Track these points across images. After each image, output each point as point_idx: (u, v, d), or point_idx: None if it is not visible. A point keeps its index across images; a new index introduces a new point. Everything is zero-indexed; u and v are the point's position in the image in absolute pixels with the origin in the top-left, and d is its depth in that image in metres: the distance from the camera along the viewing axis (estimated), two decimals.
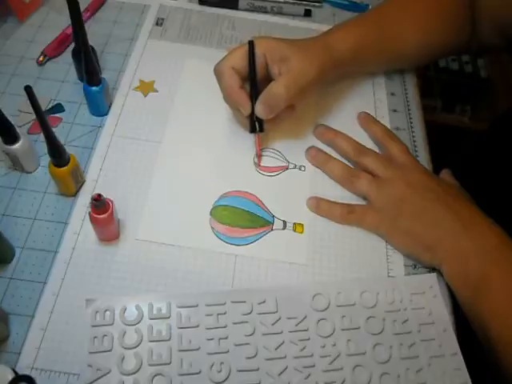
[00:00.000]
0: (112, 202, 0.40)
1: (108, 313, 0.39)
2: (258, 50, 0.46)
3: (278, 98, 0.45)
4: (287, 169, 0.50)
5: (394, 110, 0.55)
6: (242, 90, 0.46)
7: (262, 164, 0.49)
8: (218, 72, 0.46)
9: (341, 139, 0.50)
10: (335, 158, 0.49)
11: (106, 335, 0.38)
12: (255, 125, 0.47)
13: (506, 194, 0.55)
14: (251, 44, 0.46)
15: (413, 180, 0.46)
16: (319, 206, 0.46)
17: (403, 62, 0.57)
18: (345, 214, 0.46)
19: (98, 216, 0.39)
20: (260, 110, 0.45)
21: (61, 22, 0.57)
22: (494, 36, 0.53)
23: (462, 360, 0.39)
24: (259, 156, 0.49)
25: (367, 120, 0.53)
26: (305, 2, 0.63)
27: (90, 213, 0.39)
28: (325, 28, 0.53)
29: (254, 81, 0.46)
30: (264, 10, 0.62)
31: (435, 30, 0.54)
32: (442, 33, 0.54)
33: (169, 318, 0.39)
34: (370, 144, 0.52)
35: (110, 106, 0.52)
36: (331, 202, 0.46)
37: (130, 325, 0.38)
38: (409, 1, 0.54)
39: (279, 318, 0.40)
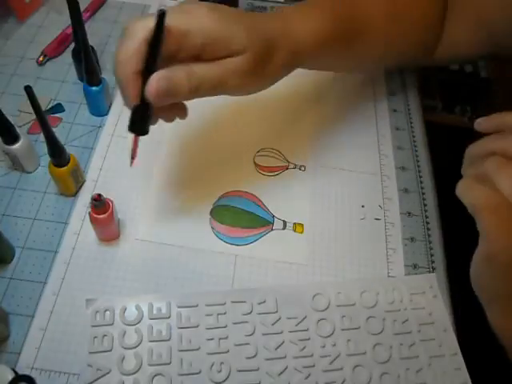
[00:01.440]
0: (112, 202, 0.40)
1: (108, 313, 0.39)
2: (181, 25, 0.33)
3: (180, 87, 0.33)
4: (287, 169, 0.50)
5: (394, 110, 0.55)
6: (136, 78, 0.33)
7: (260, 164, 0.49)
8: (128, 32, 0.33)
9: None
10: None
11: (106, 335, 0.38)
12: (138, 123, 0.35)
13: None
14: (161, 17, 0.31)
15: None
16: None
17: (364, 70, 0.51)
18: (467, 180, 0.34)
19: (98, 216, 0.39)
20: (152, 95, 0.32)
21: (61, 22, 0.57)
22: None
23: (462, 360, 0.39)
24: (134, 158, 0.38)
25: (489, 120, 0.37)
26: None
27: (89, 213, 0.39)
28: None
29: (154, 64, 0.33)
30: (264, 10, 0.62)
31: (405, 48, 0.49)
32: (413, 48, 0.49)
33: (169, 317, 0.39)
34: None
35: (110, 106, 0.52)
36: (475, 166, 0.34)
37: (130, 325, 0.38)
38: None
39: (279, 318, 0.40)
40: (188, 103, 0.55)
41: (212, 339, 0.38)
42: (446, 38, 0.50)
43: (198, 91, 0.34)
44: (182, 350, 0.38)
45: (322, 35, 0.41)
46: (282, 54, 0.38)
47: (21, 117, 0.50)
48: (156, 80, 0.32)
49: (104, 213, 0.39)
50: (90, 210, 0.39)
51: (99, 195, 0.38)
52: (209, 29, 0.34)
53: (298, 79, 0.57)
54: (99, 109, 0.51)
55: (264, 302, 0.40)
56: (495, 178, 0.32)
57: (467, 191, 0.33)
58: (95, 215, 0.39)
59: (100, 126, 0.50)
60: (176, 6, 0.34)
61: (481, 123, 0.37)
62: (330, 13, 0.42)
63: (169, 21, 0.31)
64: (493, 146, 0.34)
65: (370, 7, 0.45)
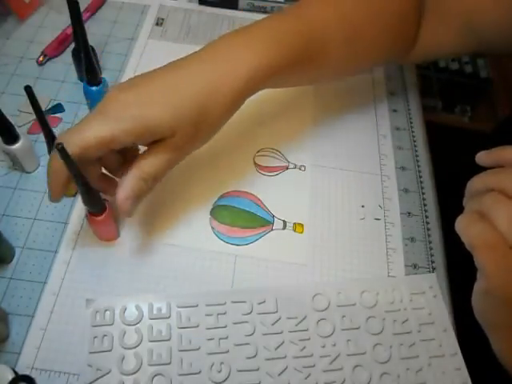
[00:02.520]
0: (108, 202, 0.40)
1: (108, 313, 0.39)
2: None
3: (154, 177, 0.35)
4: (287, 169, 0.50)
5: (394, 110, 0.55)
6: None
7: (260, 164, 0.49)
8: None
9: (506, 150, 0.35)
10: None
11: (106, 335, 0.38)
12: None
13: None
14: (61, 151, 0.31)
15: None
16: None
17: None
18: (465, 216, 0.34)
19: (96, 218, 0.39)
20: (123, 205, 0.35)
21: (61, 21, 0.57)
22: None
23: (462, 360, 0.39)
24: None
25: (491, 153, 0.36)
26: None
27: (86, 214, 0.39)
28: None
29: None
30: (264, 10, 0.62)
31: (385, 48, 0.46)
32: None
33: (169, 317, 0.39)
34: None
35: None
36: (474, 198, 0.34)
37: (130, 325, 0.38)
38: None
39: (279, 318, 0.40)
40: None
41: (212, 339, 0.38)
42: (425, 40, 0.48)
43: (156, 182, 0.37)
44: (182, 350, 0.38)
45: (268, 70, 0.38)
46: (218, 109, 0.37)
47: (21, 117, 0.50)
48: (123, 203, 0.35)
49: (101, 214, 0.39)
50: (86, 212, 0.39)
51: None
52: (132, 127, 0.33)
53: None
54: None
55: (264, 302, 0.40)
56: (492, 214, 0.32)
57: (466, 228, 0.33)
58: (92, 217, 0.39)
59: None
60: (95, 108, 0.34)
61: (481, 157, 0.37)
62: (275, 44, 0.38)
63: (91, 132, 0.32)
64: (491, 181, 0.34)
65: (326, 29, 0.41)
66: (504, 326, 0.34)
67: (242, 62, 0.37)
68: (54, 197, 0.36)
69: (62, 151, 0.30)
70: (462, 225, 0.34)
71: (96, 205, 0.38)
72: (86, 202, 0.37)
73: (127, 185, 0.35)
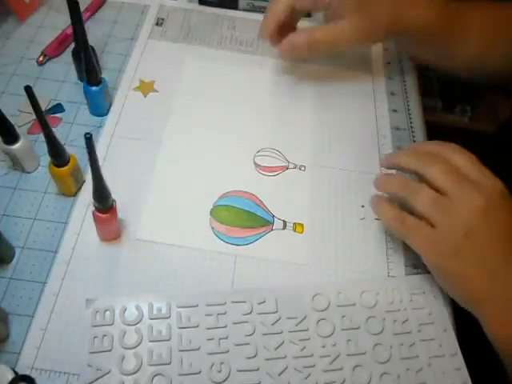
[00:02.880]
0: (115, 201, 0.40)
1: (108, 313, 0.39)
2: None
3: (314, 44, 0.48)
4: (287, 169, 0.50)
5: (394, 110, 0.55)
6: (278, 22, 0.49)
7: (260, 164, 0.49)
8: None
9: (401, 154, 0.43)
10: (393, 175, 0.44)
11: (106, 335, 0.38)
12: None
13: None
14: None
15: (487, 208, 0.37)
16: (378, 204, 0.42)
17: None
18: (393, 221, 0.40)
19: (102, 215, 0.39)
20: (284, 46, 0.49)
21: (61, 21, 0.57)
22: None
23: (462, 360, 0.39)
24: None
25: (390, 157, 0.45)
26: None
27: (93, 211, 0.39)
28: None
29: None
30: (264, 10, 0.62)
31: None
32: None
33: (169, 317, 0.39)
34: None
35: (110, 106, 0.52)
36: (389, 206, 0.41)
37: (130, 325, 0.38)
38: None
39: (279, 318, 0.40)
40: (188, 104, 0.56)
41: (212, 339, 0.38)
42: None
43: (314, 50, 0.49)
44: (182, 350, 0.38)
45: (425, 19, 0.48)
46: (385, 20, 0.48)
47: (21, 117, 0.50)
48: (283, 44, 0.50)
49: (108, 212, 0.39)
50: (93, 208, 0.39)
51: None
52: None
53: (298, 79, 0.57)
54: (99, 109, 0.51)
55: (264, 302, 0.40)
56: (412, 201, 0.39)
57: (396, 223, 0.41)
58: (99, 214, 0.39)
59: (100, 126, 0.50)
60: None
61: (382, 163, 0.46)
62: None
63: None
64: (414, 164, 0.41)
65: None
66: (473, 301, 0.38)
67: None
68: (263, 37, 0.51)
69: (90, 141, 0.33)
70: (393, 222, 0.40)
71: (106, 202, 0.38)
72: (97, 197, 0.38)
73: (294, 35, 0.49)
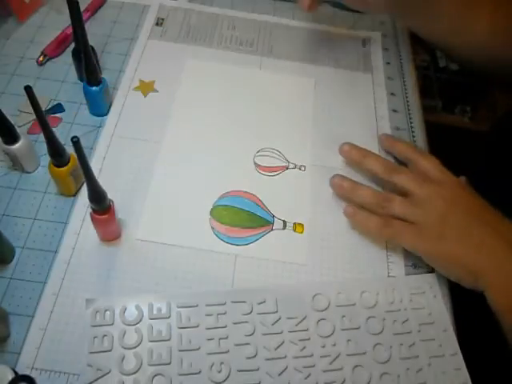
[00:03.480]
0: (112, 201, 0.40)
1: (108, 313, 0.39)
2: None
3: None
4: (287, 169, 0.50)
5: (394, 110, 0.55)
6: None
7: (260, 164, 0.49)
8: None
9: (369, 159, 0.47)
10: (362, 185, 0.46)
11: (106, 335, 0.38)
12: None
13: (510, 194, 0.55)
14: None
15: (453, 197, 0.43)
16: (356, 215, 0.45)
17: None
18: (380, 228, 0.43)
19: (100, 216, 0.39)
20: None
21: (61, 21, 0.57)
22: None
23: (462, 360, 0.39)
24: None
25: (390, 140, 0.51)
26: None
27: (91, 213, 0.39)
28: (325, 28, 0.53)
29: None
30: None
31: None
32: None
33: (169, 317, 0.39)
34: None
35: (110, 106, 0.52)
36: (368, 214, 0.44)
37: (130, 325, 0.38)
38: None
39: (279, 318, 0.40)
40: (188, 104, 0.56)
41: (212, 339, 0.38)
42: None
43: None
44: (182, 350, 0.38)
45: None
46: None
47: (21, 117, 0.50)
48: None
49: (106, 213, 0.39)
50: (90, 210, 0.39)
51: None
52: None
53: (297, 79, 0.57)
54: (99, 109, 0.51)
55: (264, 302, 0.40)
56: (390, 209, 0.44)
57: (382, 231, 0.44)
58: (96, 215, 0.39)
59: (100, 126, 0.50)
60: None
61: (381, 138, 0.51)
62: None
63: None
64: (396, 179, 0.46)
65: None
66: (472, 277, 0.40)
67: None
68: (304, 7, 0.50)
69: (77, 144, 0.32)
70: (381, 228, 0.43)
71: (102, 203, 0.38)
72: (92, 199, 0.38)
73: None
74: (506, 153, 0.59)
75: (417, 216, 0.42)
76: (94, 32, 0.57)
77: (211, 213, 0.46)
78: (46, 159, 0.43)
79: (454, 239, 0.41)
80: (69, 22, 0.45)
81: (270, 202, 0.47)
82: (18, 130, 0.43)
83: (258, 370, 0.37)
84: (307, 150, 0.51)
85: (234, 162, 0.49)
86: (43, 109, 0.38)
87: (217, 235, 0.44)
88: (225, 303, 0.40)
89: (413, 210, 0.43)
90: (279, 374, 0.37)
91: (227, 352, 0.38)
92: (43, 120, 0.37)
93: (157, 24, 0.60)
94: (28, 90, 0.34)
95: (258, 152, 0.50)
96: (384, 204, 0.44)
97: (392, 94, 0.57)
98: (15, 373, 0.33)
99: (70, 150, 0.42)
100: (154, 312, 0.39)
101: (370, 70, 0.59)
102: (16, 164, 0.45)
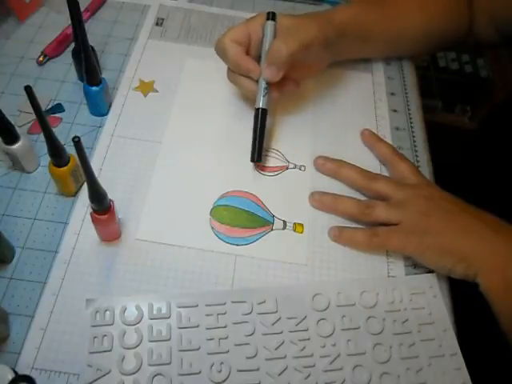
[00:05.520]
0: (113, 202, 0.40)
1: (108, 313, 0.39)
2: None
3: (279, 52, 0.45)
4: (287, 169, 0.50)
5: (394, 110, 0.55)
6: (247, 56, 0.47)
7: (260, 164, 0.49)
8: (219, 47, 0.47)
9: (345, 168, 0.48)
10: (342, 196, 0.47)
11: (105, 335, 0.38)
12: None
13: (505, 189, 0.55)
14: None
15: (431, 195, 0.45)
16: (341, 235, 0.45)
17: (403, 45, 0.57)
18: (368, 239, 0.44)
19: (100, 216, 0.39)
20: (267, 72, 0.46)
21: (61, 21, 0.57)
22: (491, 33, 0.55)
23: (462, 360, 0.39)
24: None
25: (372, 138, 0.51)
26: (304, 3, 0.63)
27: (91, 213, 0.39)
28: None
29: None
30: None
31: (439, 17, 0.55)
32: (445, 22, 0.55)
33: (169, 317, 0.39)
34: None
35: (110, 106, 0.52)
36: (353, 229, 0.45)
37: (130, 325, 0.38)
38: None
39: (279, 318, 0.40)
40: (187, 104, 0.56)
41: (212, 339, 0.38)
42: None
43: (293, 54, 0.45)
44: (181, 350, 0.38)
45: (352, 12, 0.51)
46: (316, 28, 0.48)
47: (21, 117, 0.50)
48: (268, 70, 0.46)
49: (106, 213, 0.39)
50: (91, 210, 0.39)
51: None
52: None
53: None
54: (99, 109, 0.51)
55: (264, 302, 0.40)
56: (375, 215, 0.45)
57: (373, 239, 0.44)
58: (97, 215, 0.39)
59: (100, 126, 0.50)
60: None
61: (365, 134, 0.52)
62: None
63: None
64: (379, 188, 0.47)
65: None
66: (462, 264, 0.41)
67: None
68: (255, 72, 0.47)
69: (78, 144, 0.33)
70: (371, 241, 0.44)
71: (102, 203, 0.38)
72: (92, 199, 0.38)
73: (272, 52, 0.46)
74: (497, 147, 0.60)
75: (400, 216, 0.43)
76: (93, 32, 0.57)
77: (211, 213, 0.46)
78: (46, 159, 0.43)
79: (439, 230, 0.42)
80: (69, 21, 0.45)
81: (270, 202, 0.47)
82: (18, 129, 0.43)
83: (258, 370, 0.37)
84: (307, 150, 0.51)
85: (234, 162, 0.49)
86: (43, 109, 0.38)
87: (217, 235, 0.44)
88: (225, 303, 0.40)
89: (395, 211, 0.44)
90: (279, 374, 0.37)
91: (227, 352, 0.38)
92: (43, 120, 0.37)
93: (157, 24, 0.60)
94: (28, 90, 0.34)
95: None
96: (367, 211, 0.44)
97: (392, 93, 0.57)
98: (15, 373, 0.33)
99: (70, 149, 0.43)
100: (154, 312, 0.39)
101: (369, 70, 0.59)
102: (16, 164, 0.45)
